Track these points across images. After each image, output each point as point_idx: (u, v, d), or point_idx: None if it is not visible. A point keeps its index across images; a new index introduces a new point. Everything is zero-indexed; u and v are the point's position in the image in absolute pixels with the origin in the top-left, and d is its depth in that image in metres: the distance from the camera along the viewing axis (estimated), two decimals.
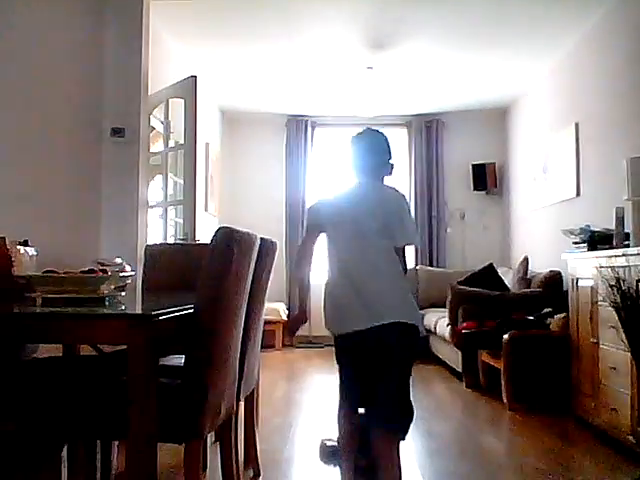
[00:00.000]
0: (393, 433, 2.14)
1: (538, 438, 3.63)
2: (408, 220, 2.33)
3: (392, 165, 2.43)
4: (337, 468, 2.40)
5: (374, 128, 2.54)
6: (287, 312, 7.45)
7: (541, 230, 6.26)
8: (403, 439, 2.17)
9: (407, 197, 2.51)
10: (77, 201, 3.75)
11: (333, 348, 2.36)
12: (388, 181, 2.47)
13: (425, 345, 2.07)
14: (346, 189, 2.41)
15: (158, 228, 4.77)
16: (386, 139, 2.47)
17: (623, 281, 2.95)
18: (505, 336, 4.40)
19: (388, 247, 2.23)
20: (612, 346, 3.33)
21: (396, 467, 2.10)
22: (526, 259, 5.69)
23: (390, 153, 2.44)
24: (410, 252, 7.57)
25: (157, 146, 5.19)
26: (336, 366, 2.36)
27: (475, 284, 5.43)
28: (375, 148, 2.44)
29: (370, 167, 2.40)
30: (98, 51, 4.01)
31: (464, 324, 5.00)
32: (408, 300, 2.18)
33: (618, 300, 2.93)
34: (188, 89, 4.50)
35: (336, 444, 2.72)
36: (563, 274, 4.89)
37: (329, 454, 2.88)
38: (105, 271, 2.27)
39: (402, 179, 7.87)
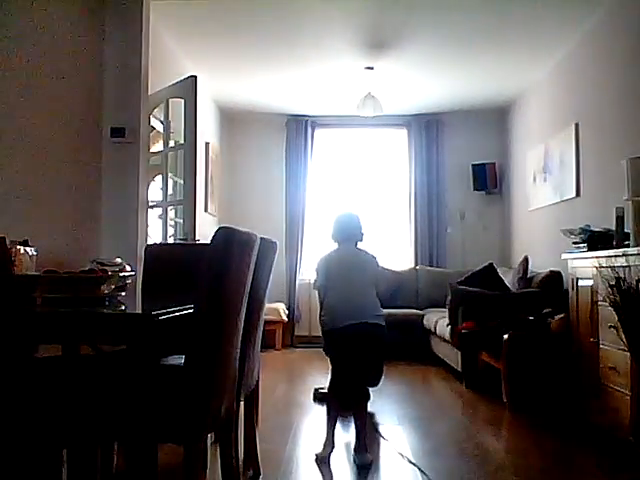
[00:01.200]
0: (372, 386, 3.52)
1: (538, 438, 3.63)
2: (375, 274, 3.52)
3: (362, 234, 3.55)
4: (325, 414, 3.34)
5: (350, 213, 3.62)
6: (287, 312, 7.46)
7: (541, 230, 6.26)
8: (376, 385, 3.59)
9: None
10: (77, 201, 3.75)
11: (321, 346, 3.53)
12: (360, 245, 3.57)
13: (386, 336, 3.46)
14: (335, 252, 3.53)
15: (158, 228, 4.77)
16: (358, 218, 3.58)
17: (623, 281, 2.95)
18: (505, 336, 4.40)
19: (365, 284, 3.43)
20: (612, 346, 3.33)
21: (364, 417, 3.32)
22: (526, 259, 5.69)
23: (361, 228, 3.55)
24: (409, 254, 7.60)
25: (157, 146, 5.19)
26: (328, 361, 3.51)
27: (475, 284, 5.43)
28: (353, 224, 3.54)
29: (348, 236, 3.52)
30: (98, 51, 4.01)
31: (464, 324, 5.00)
32: (377, 311, 3.39)
33: (618, 300, 2.93)
34: (188, 89, 4.50)
35: (326, 391, 3.79)
36: (563, 274, 4.89)
37: (320, 399, 4.32)
38: (105, 271, 2.27)
39: (402, 179, 7.88)
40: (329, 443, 3.27)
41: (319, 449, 3.25)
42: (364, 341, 3.28)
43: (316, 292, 3.64)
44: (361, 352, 3.28)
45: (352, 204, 7.39)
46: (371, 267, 3.52)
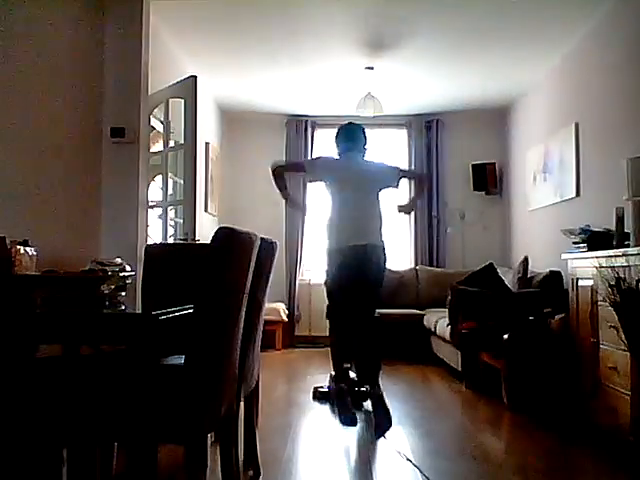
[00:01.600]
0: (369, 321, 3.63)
1: (538, 438, 3.63)
2: (393, 171, 3.63)
3: (366, 144, 3.54)
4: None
5: (353, 123, 3.67)
6: (287, 312, 7.46)
7: (541, 230, 6.26)
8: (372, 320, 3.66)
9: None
10: (77, 201, 3.75)
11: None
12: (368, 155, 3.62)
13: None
14: (342, 159, 3.53)
15: (158, 228, 4.77)
16: (363, 128, 3.59)
17: (623, 281, 2.95)
18: (505, 336, 4.40)
19: (372, 198, 3.44)
20: (612, 346, 3.33)
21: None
22: (526, 259, 5.68)
23: (366, 139, 3.56)
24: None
25: (157, 146, 5.19)
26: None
27: (475, 284, 5.43)
28: (357, 134, 3.55)
29: (352, 147, 3.52)
30: (98, 51, 4.01)
31: (464, 324, 5.00)
32: (379, 231, 3.48)
33: (618, 300, 2.93)
34: (188, 89, 4.51)
35: (325, 390, 4.27)
36: (563, 274, 4.89)
37: (320, 397, 4.41)
38: (105, 271, 2.27)
39: (402, 179, 7.86)
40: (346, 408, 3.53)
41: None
42: (366, 262, 3.41)
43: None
44: (362, 272, 3.41)
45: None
46: (383, 176, 3.51)
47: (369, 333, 3.57)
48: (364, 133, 3.50)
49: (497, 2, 4.72)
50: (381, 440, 3.56)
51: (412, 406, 4.45)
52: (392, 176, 3.51)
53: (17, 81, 3.12)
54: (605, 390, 3.44)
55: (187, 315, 1.93)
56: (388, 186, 3.51)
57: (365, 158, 3.49)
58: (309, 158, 3.43)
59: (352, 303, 3.48)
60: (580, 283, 3.87)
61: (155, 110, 4.69)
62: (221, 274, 1.96)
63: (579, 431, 3.71)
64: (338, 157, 3.51)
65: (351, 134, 3.48)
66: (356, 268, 3.38)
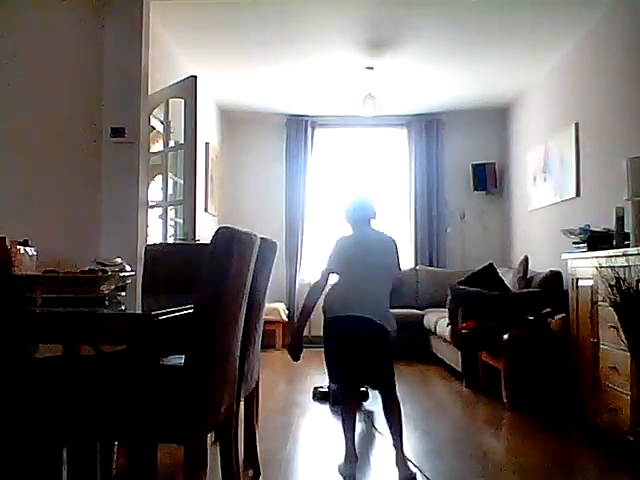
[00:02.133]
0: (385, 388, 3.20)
1: (538, 438, 3.63)
2: (395, 257, 3.23)
3: (375, 213, 3.29)
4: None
5: (363, 194, 3.40)
6: (287, 312, 7.46)
7: (541, 230, 6.26)
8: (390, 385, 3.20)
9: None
10: (77, 201, 3.75)
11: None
12: (375, 224, 3.31)
13: (394, 340, 3.37)
14: (351, 235, 3.26)
15: (158, 228, 4.77)
16: (371, 201, 3.32)
17: (623, 281, 2.95)
18: (505, 336, 4.40)
19: (383, 274, 3.18)
20: (612, 346, 3.33)
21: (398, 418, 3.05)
22: (526, 259, 5.69)
23: (374, 209, 3.29)
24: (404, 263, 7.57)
25: (157, 146, 5.19)
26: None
27: (475, 284, 5.43)
28: (365, 206, 3.29)
29: (362, 218, 3.26)
30: (98, 51, 4.01)
31: (464, 324, 4.99)
32: (384, 309, 3.21)
33: (618, 300, 2.93)
34: (188, 89, 4.50)
35: (326, 390, 4.36)
36: (563, 274, 4.88)
37: (321, 397, 4.46)
38: (105, 271, 2.27)
39: (402, 179, 7.88)
40: (351, 455, 3.00)
41: (340, 462, 3.01)
42: (364, 342, 3.03)
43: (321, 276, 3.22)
44: (361, 354, 3.04)
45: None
46: (390, 252, 3.18)
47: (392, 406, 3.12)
48: (371, 204, 3.29)
49: (497, 2, 4.72)
50: (381, 440, 3.56)
51: (412, 406, 4.44)
52: (394, 265, 3.24)
53: (17, 81, 3.12)
54: (605, 390, 3.44)
55: (187, 315, 1.93)
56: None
57: (375, 228, 3.28)
58: (328, 262, 3.16)
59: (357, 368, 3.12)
60: (580, 283, 3.87)
61: (155, 110, 4.69)
62: (221, 274, 1.96)
63: (579, 431, 3.71)
64: (351, 233, 3.28)
65: (358, 207, 3.28)
66: (353, 345, 3.05)
